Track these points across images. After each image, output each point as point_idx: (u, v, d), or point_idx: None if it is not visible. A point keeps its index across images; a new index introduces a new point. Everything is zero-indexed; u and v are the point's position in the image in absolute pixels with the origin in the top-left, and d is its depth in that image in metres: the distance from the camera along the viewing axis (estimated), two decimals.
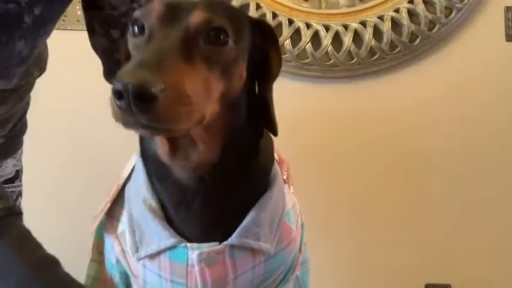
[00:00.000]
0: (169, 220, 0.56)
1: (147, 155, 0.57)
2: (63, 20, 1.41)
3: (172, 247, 0.55)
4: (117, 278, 0.62)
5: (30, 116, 1.43)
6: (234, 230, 0.55)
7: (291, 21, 1.37)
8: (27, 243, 0.63)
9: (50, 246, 0.62)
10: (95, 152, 1.38)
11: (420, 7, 1.35)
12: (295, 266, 0.63)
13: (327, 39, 1.36)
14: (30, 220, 0.67)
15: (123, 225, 0.59)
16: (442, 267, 1.36)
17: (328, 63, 1.37)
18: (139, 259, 0.57)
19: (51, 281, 0.61)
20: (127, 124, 0.39)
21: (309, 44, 1.36)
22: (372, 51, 1.36)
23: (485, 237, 1.37)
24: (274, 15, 1.36)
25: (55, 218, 1.34)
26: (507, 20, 1.40)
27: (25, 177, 0.90)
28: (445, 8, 1.37)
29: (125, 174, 0.64)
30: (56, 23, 0.73)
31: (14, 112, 0.85)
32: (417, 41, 1.37)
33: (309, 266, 0.72)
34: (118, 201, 0.62)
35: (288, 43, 1.36)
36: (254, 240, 0.55)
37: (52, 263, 0.63)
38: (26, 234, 0.64)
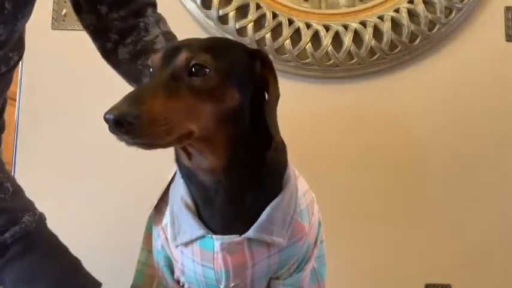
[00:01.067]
0: (200, 215, 0.67)
1: (179, 161, 0.68)
2: (63, 20, 1.41)
3: (201, 237, 0.66)
4: (162, 262, 0.74)
5: (32, 115, 1.44)
6: (252, 225, 0.65)
7: (291, 21, 1.37)
8: (56, 249, 0.71)
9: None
10: (92, 151, 1.38)
11: (420, 7, 1.35)
12: (309, 257, 0.73)
13: (327, 39, 1.36)
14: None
15: (166, 218, 0.72)
16: (442, 267, 1.36)
17: (328, 63, 1.37)
18: (176, 246, 0.69)
19: (78, 282, 0.70)
20: (121, 141, 0.53)
21: (309, 44, 1.36)
22: (372, 51, 1.36)
23: (485, 237, 1.37)
24: (274, 15, 1.36)
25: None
26: (507, 20, 1.40)
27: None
28: (445, 8, 1.37)
29: (169, 177, 0.76)
30: (32, 6, 0.74)
31: None
32: (417, 41, 1.37)
33: (325, 260, 0.82)
34: (164, 199, 0.74)
35: (288, 43, 1.36)
36: (267, 235, 0.65)
37: (77, 265, 0.72)
38: (55, 240, 0.72)
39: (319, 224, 0.77)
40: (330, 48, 1.36)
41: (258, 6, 1.36)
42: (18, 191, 0.73)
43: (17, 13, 0.69)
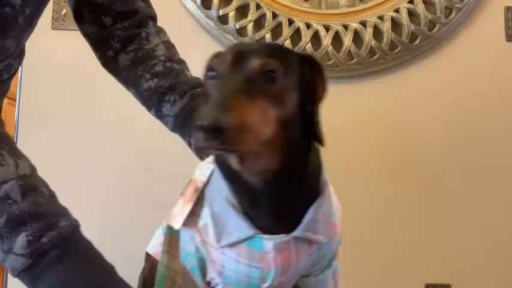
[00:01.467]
0: (246, 215, 0.68)
1: (221, 162, 0.69)
2: (63, 20, 1.41)
3: (250, 237, 0.67)
4: (193, 263, 0.74)
5: (32, 115, 1.44)
6: (296, 224, 0.67)
7: (291, 21, 1.37)
8: (93, 255, 0.70)
9: None
10: (92, 151, 1.38)
11: (420, 7, 1.35)
12: (336, 254, 0.79)
13: (327, 39, 1.36)
14: None
15: (204, 219, 0.71)
16: (442, 267, 1.37)
17: (328, 63, 1.37)
18: (221, 247, 0.69)
19: None
20: (208, 148, 0.54)
21: (309, 44, 1.36)
22: (372, 51, 1.36)
23: (485, 237, 1.37)
24: (274, 15, 1.36)
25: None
26: (507, 20, 1.40)
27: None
28: (445, 8, 1.37)
29: (203, 179, 0.76)
30: (39, 18, 0.74)
31: None
32: (417, 41, 1.37)
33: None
34: (199, 201, 0.74)
35: (288, 43, 1.36)
36: (312, 233, 0.68)
37: (113, 271, 0.70)
38: (91, 246, 0.71)
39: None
40: (330, 48, 1.36)
41: (258, 6, 1.36)
42: (53, 195, 0.71)
43: (27, 26, 0.70)
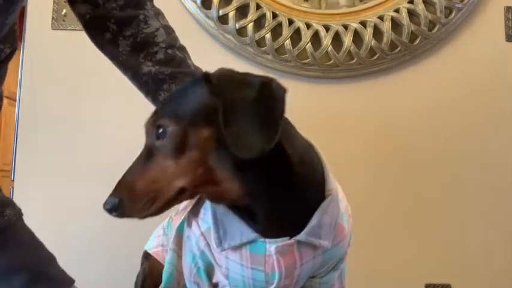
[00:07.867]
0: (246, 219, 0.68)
1: None
2: (63, 20, 1.41)
3: (252, 241, 0.67)
4: (199, 266, 0.75)
5: (32, 115, 1.44)
6: (300, 229, 0.66)
7: (291, 21, 1.37)
8: (35, 243, 0.72)
9: None
10: (92, 151, 1.38)
11: (420, 7, 1.35)
12: (344, 257, 0.77)
13: (327, 39, 1.36)
14: None
15: (207, 223, 0.71)
16: (442, 267, 1.37)
17: (328, 63, 1.37)
18: (222, 251, 0.69)
19: (55, 276, 0.71)
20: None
21: (309, 44, 1.36)
22: (372, 51, 1.37)
23: (485, 237, 1.37)
24: (274, 15, 1.36)
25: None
26: (507, 20, 1.40)
27: None
28: (445, 8, 1.37)
29: None
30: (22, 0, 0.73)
31: None
32: (417, 41, 1.37)
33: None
34: (199, 202, 0.75)
35: (288, 43, 1.36)
36: (316, 239, 0.67)
37: (54, 260, 0.73)
38: (32, 234, 0.73)
39: (352, 225, 0.78)
40: (330, 48, 1.36)
41: (258, 6, 1.36)
42: None
43: (8, 7, 0.69)
